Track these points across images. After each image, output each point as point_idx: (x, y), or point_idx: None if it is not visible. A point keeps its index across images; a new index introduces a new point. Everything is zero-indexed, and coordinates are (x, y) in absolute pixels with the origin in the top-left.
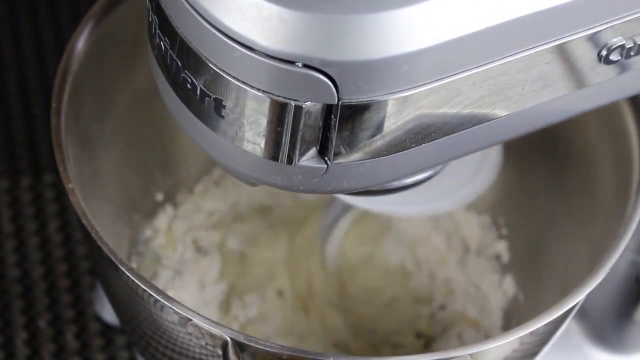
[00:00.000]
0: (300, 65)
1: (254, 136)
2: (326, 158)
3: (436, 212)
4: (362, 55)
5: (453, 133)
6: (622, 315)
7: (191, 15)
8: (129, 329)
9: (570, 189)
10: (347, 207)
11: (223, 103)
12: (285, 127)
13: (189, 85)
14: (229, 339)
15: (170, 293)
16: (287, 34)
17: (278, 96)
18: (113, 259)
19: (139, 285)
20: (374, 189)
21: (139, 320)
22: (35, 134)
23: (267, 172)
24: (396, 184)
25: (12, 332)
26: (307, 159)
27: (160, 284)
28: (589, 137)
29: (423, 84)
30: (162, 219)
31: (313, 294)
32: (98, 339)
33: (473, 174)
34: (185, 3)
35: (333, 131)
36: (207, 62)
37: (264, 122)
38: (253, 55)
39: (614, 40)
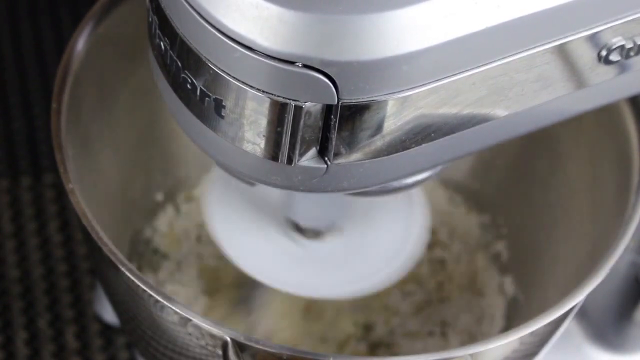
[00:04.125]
0: (300, 66)
1: (253, 136)
2: (326, 158)
3: (358, 293)
4: (362, 56)
5: (453, 133)
6: (622, 315)
7: (191, 16)
8: (129, 329)
9: (570, 189)
10: None
11: (223, 103)
12: (285, 128)
13: (188, 86)
14: (229, 339)
15: (171, 287)
16: (286, 34)
17: (278, 96)
18: (113, 259)
19: (139, 285)
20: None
21: (139, 320)
22: (36, 134)
23: (267, 172)
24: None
25: (12, 332)
26: (307, 159)
27: (161, 277)
28: (589, 136)
29: (423, 84)
30: (162, 219)
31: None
32: (98, 339)
33: (395, 253)
34: (185, 3)
35: (333, 131)
36: (207, 62)
37: (263, 122)
38: (253, 55)
39: (614, 40)
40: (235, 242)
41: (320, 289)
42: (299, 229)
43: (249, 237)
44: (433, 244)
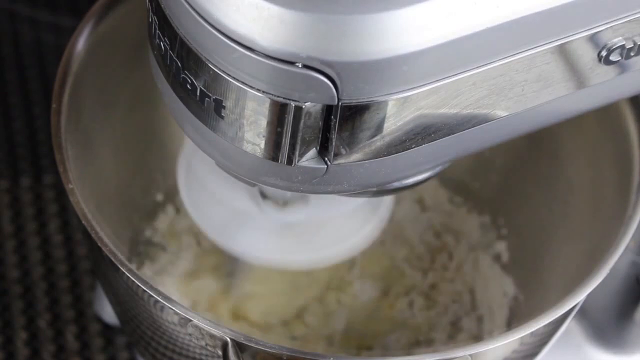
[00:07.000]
0: (300, 66)
1: (253, 137)
2: (326, 159)
3: (315, 264)
4: (362, 56)
5: (453, 133)
6: (622, 315)
7: (191, 16)
8: (129, 329)
9: (570, 189)
10: None
11: (223, 103)
12: (285, 128)
13: (188, 86)
14: (229, 339)
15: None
16: (287, 34)
17: (278, 97)
18: (113, 259)
19: (139, 286)
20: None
21: (139, 320)
22: (36, 134)
23: (267, 172)
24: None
25: (12, 333)
26: (307, 160)
27: (157, 268)
28: (589, 137)
29: (423, 85)
30: (162, 219)
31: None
32: (98, 339)
33: (359, 227)
34: (185, 3)
35: (333, 132)
36: (206, 62)
37: (263, 122)
38: (253, 55)
39: (614, 40)
40: (204, 213)
41: (279, 259)
42: (264, 197)
43: (217, 207)
44: (433, 244)
